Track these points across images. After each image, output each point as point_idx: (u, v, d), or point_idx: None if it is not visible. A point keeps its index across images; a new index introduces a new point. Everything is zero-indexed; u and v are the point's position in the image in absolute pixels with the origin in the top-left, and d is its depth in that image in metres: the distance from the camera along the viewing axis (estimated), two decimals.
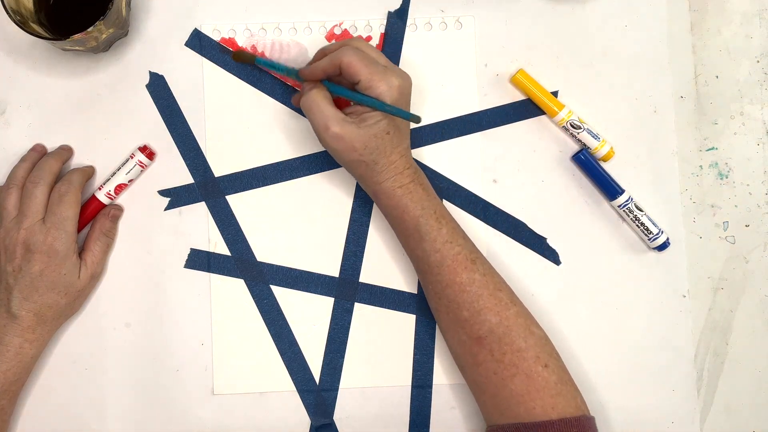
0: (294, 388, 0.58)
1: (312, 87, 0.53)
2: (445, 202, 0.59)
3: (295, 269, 0.59)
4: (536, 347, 0.50)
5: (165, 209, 0.59)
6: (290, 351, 0.58)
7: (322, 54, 0.55)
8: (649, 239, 0.59)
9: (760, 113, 0.61)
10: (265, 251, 0.59)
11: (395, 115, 0.51)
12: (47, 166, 0.55)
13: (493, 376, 0.50)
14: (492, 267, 0.53)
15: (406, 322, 0.59)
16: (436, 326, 0.59)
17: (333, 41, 0.60)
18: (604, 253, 0.60)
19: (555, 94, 0.60)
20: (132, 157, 0.58)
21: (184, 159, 0.59)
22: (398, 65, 0.60)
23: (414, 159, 0.55)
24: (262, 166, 0.59)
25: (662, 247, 0.59)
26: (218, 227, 0.59)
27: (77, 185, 0.55)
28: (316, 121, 0.51)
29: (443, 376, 0.59)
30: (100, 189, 0.58)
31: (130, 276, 0.58)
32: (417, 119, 0.50)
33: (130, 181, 0.58)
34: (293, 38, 0.60)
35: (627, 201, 0.59)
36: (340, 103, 0.53)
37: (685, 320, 0.60)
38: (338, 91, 0.52)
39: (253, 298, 0.59)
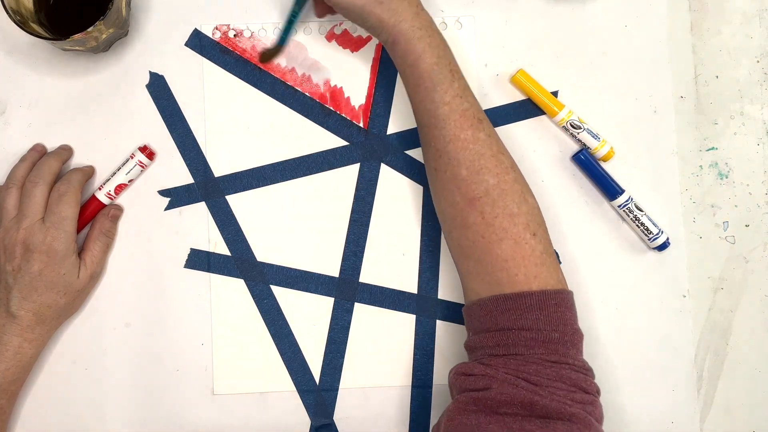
0: (294, 388, 0.58)
1: None
2: None
3: (295, 269, 0.59)
4: (528, 215, 0.50)
5: (165, 209, 0.59)
6: (290, 351, 0.58)
7: None
8: (649, 239, 0.59)
9: (760, 113, 0.61)
10: (265, 251, 0.59)
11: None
12: (47, 165, 0.55)
13: (480, 239, 0.50)
14: (496, 132, 0.52)
15: (406, 322, 0.59)
16: (436, 325, 0.59)
17: (333, 41, 0.60)
18: (604, 253, 0.60)
19: (555, 94, 0.60)
20: (132, 157, 0.58)
21: (184, 159, 0.59)
22: None
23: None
24: (262, 166, 0.59)
25: (662, 247, 0.59)
26: (218, 227, 0.59)
27: (77, 185, 0.55)
28: None
29: (443, 376, 0.58)
30: (100, 189, 0.58)
31: (130, 276, 0.58)
32: None
33: (130, 181, 0.58)
34: (293, 38, 0.60)
35: (627, 201, 0.59)
36: None
37: (685, 320, 0.60)
38: None
39: (253, 298, 0.59)
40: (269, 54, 0.58)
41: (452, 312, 0.59)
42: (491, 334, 0.49)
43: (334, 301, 0.59)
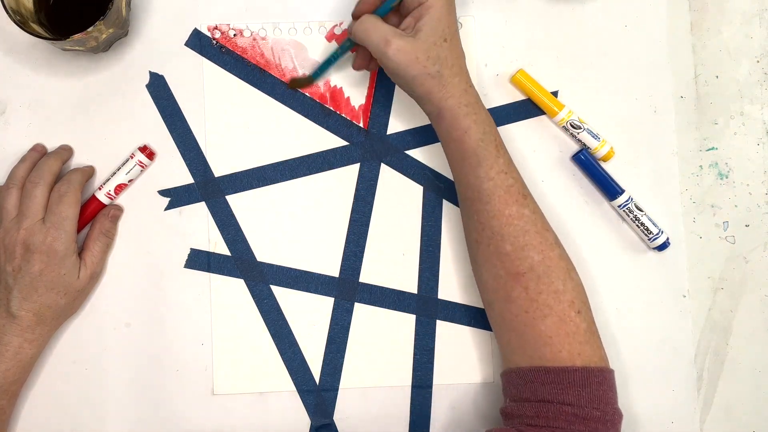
0: (294, 388, 0.58)
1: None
2: (445, 202, 0.60)
3: (295, 269, 0.59)
4: (573, 292, 0.50)
5: (165, 209, 0.59)
6: (290, 351, 0.58)
7: None
8: (649, 239, 0.59)
9: (760, 113, 0.61)
10: (265, 251, 0.59)
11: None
12: (47, 166, 0.55)
13: (524, 314, 0.50)
14: (540, 209, 0.53)
15: (406, 322, 0.59)
16: (436, 325, 0.59)
17: (333, 41, 0.60)
18: (604, 253, 0.60)
19: (555, 94, 0.60)
20: (132, 157, 0.58)
21: (184, 159, 0.59)
22: None
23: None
24: (262, 166, 0.59)
25: (662, 247, 0.59)
26: (218, 227, 0.59)
27: (77, 185, 0.55)
28: (376, 40, 0.51)
29: (443, 376, 0.58)
30: (100, 189, 0.58)
31: (130, 276, 0.58)
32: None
33: (130, 181, 0.58)
34: (293, 38, 0.60)
35: (627, 201, 0.59)
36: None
37: (685, 320, 0.60)
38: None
39: (253, 298, 0.59)
40: (298, 83, 0.59)
41: (452, 312, 0.59)
42: (531, 404, 0.48)
43: (334, 301, 0.59)
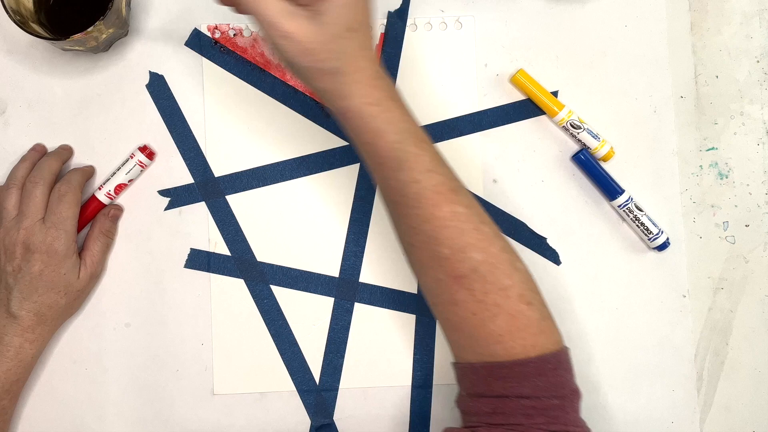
0: (294, 388, 0.58)
1: None
2: None
3: (295, 269, 0.59)
4: (521, 284, 0.46)
5: (165, 209, 0.59)
6: (290, 351, 0.58)
7: None
8: (649, 239, 0.59)
9: (760, 113, 0.61)
10: (265, 251, 0.59)
11: None
12: (47, 166, 0.55)
13: (471, 316, 0.46)
14: (472, 195, 0.48)
15: (406, 322, 0.59)
16: (436, 325, 0.59)
17: None
18: (604, 253, 0.60)
19: (555, 94, 0.60)
20: (132, 157, 0.58)
21: (184, 159, 0.59)
22: (398, 65, 0.60)
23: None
24: (262, 166, 0.59)
25: (662, 247, 0.59)
26: (218, 227, 0.59)
27: (77, 185, 0.55)
28: (261, 19, 0.42)
29: (443, 376, 0.59)
30: (100, 189, 0.58)
31: (130, 276, 0.58)
32: None
33: (130, 181, 0.58)
34: None
35: (627, 201, 0.59)
36: None
37: (685, 320, 0.60)
38: None
39: (253, 298, 0.59)
40: None
41: None
42: (487, 400, 0.46)
43: (334, 301, 0.59)
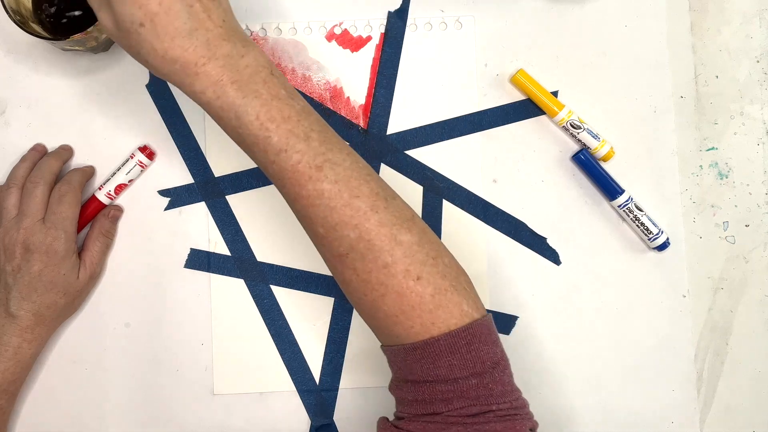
0: (294, 388, 0.58)
1: None
2: (445, 202, 0.59)
3: (295, 269, 0.59)
4: (405, 259, 0.43)
5: (165, 209, 0.59)
6: (290, 351, 0.58)
7: None
8: (649, 239, 0.59)
9: (760, 113, 0.61)
10: (265, 251, 0.59)
11: None
12: (47, 166, 0.55)
13: (363, 298, 0.44)
14: (351, 164, 0.44)
15: None
16: None
17: (333, 41, 0.60)
18: (604, 253, 0.60)
19: (555, 94, 0.60)
20: (132, 157, 0.58)
21: (184, 159, 0.59)
22: (398, 65, 0.60)
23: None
24: None
25: (662, 247, 0.59)
26: (218, 227, 0.59)
27: (77, 185, 0.55)
28: None
29: None
30: (100, 189, 0.58)
31: (130, 276, 0.58)
32: None
33: (130, 181, 0.58)
34: (293, 38, 0.60)
35: (627, 201, 0.59)
36: None
37: (685, 320, 0.60)
38: None
39: (253, 298, 0.59)
40: None
41: None
42: (408, 385, 0.45)
43: (334, 301, 0.59)
